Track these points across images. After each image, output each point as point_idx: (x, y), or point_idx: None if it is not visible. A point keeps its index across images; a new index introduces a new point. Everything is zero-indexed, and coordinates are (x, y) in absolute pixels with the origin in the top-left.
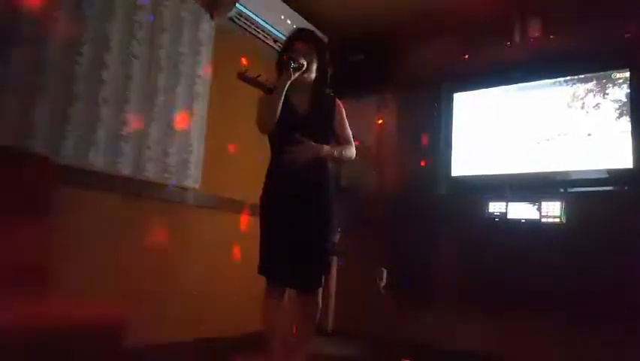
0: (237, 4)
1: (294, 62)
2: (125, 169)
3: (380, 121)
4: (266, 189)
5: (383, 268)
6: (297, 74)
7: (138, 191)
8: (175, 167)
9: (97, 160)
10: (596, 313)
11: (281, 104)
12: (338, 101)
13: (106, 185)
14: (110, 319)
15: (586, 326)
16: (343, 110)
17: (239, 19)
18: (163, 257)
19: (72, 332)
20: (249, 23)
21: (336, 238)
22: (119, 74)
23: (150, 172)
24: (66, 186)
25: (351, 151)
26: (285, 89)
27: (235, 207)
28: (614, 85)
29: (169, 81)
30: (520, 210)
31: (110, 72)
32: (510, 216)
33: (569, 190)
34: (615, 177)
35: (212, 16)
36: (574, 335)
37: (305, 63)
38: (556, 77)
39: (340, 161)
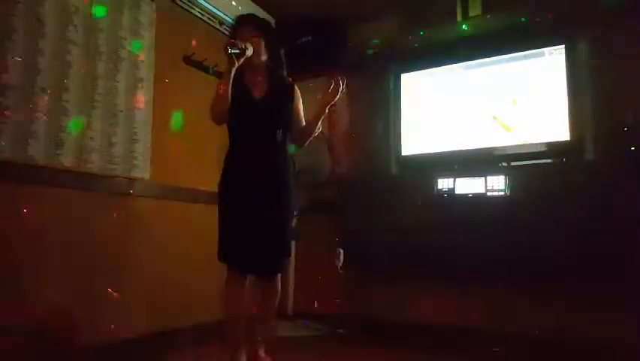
0: None
1: (232, 48)
2: (68, 161)
3: None
4: (224, 176)
5: (340, 249)
6: (241, 60)
7: (82, 184)
8: (121, 157)
9: (36, 153)
10: (538, 278)
11: (229, 95)
12: (295, 87)
13: (47, 179)
14: (59, 318)
15: (529, 289)
16: (300, 96)
17: (182, 0)
18: (113, 252)
19: (19, 332)
20: (191, 5)
21: (294, 221)
22: (56, 62)
23: (95, 164)
24: (3, 182)
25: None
26: (232, 78)
27: (188, 196)
28: (552, 60)
29: (110, 67)
30: (467, 186)
31: (46, 59)
32: (458, 191)
33: (512, 164)
34: (554, 149)
35: None
36: (520, 300)
37: (246, 46)
38: (497, 55)
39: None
